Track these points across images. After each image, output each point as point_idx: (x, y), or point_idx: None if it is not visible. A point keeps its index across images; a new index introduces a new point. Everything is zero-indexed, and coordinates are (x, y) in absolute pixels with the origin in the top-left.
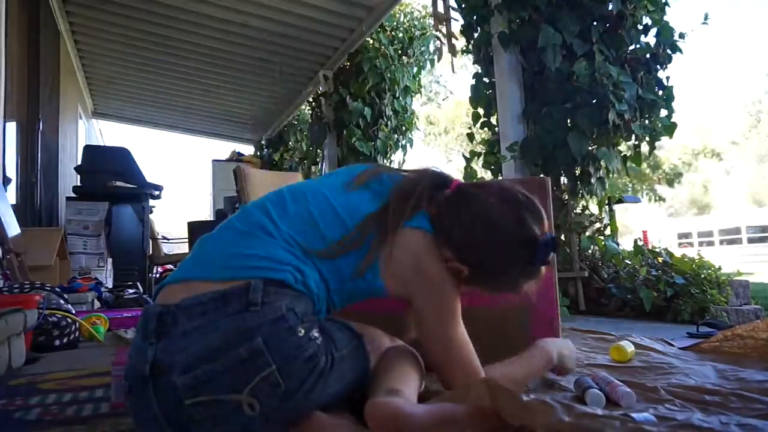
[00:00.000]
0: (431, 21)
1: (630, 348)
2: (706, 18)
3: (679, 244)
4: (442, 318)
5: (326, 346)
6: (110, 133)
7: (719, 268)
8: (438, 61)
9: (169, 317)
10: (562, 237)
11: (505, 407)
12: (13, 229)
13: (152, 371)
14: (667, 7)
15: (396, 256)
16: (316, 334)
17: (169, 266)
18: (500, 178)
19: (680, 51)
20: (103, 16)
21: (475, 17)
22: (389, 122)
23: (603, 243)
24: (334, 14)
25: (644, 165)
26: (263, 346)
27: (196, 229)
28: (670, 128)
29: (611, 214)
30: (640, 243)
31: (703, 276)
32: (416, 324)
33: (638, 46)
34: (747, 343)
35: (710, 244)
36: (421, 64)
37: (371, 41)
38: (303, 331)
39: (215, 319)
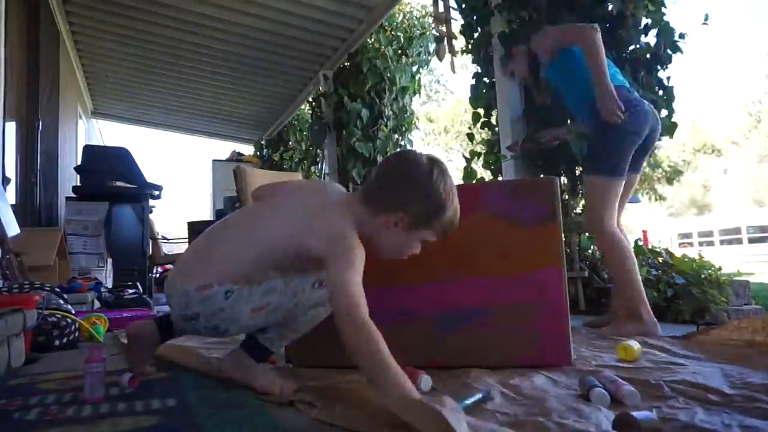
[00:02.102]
0: (431, 20)
1: (637, 346)
2: (706, 19)
3: (680, 244)
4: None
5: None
6: (110, 133)
7: (719, 268)
8: (440, 61)
9: None
10: (562, 237)
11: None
12: (12, 229)
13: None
14: (663, 7)
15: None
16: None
17: (169, 266)
18: (500, 178)
19: (680, 51)
20: (103, 16)
21: (475, 17)
22: (389, 122)
23: None
24: (334, 14)
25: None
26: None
27: (196, 229)
28: (670, 128)
29: None
30: (640, 243)
31: (703, 276)
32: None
33: (638, 46)
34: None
35: (710, 244)
36: (421, 64)
37: (371, 41)
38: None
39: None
